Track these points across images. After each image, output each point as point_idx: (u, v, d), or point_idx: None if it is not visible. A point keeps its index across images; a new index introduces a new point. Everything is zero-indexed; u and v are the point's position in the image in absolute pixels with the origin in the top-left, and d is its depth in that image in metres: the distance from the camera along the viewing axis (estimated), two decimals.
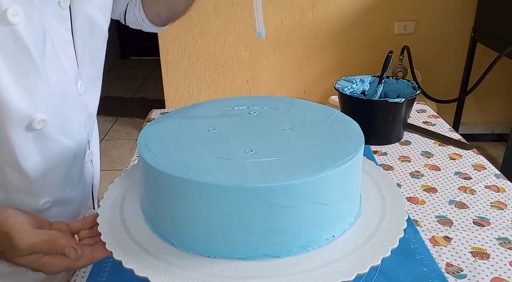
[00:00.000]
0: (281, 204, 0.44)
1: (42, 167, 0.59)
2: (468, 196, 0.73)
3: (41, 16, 0.53)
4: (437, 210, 0.70)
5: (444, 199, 0.73)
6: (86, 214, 0.73)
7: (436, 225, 0.66)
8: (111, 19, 0.74)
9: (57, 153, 0.60)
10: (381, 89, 0.95)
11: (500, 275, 0.56)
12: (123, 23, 0.81)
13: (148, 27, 0.80)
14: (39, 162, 0.58)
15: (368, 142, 0.84)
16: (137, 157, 0.77)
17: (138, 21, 0.78)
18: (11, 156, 0.55)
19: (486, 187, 0.76)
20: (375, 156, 0.88)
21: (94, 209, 0.75)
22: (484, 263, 0.58)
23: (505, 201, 0.72)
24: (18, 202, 0.59)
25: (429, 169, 0.82)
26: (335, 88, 0.93)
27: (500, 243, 0.62)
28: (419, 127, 0.98)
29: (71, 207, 0.68)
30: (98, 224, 0.52)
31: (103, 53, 0.69)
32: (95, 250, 0.50)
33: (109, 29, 0.71)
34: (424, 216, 0.68)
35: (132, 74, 4.04)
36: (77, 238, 0.52)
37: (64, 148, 0.61)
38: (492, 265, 0.58)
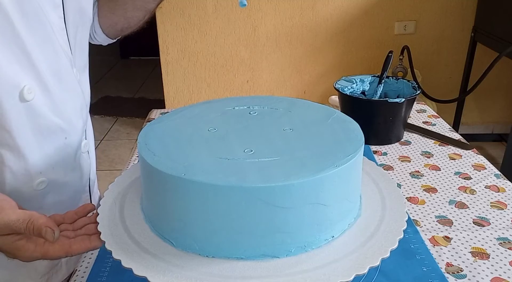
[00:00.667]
0: (280, 204, 0.44)
1: (34, 143, 0.60)
2: (468, 196, 0.73)
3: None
4: (437, 210, 0.70)
5: (444, 199, 0.73)
6: None
7: (436, 225, 0.66)
8: None
9: (48, 131, 0.61)
10: (381, 89, 0.95)
11: (500, 275, 0.56)
12: None
13: (98, 38, 0.81)
14: (31, 137, 0.59)
15: (368, 142, 0.84)
16: (137, 156, 0.77)
17: (90, 32, 0.79)
18: (6, 132, 0.56)
19: (486, 187, 0.76)
20: (375, 156, 0.88)
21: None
22: (484, 263, 0.58)
23: (505, 201, 0.71)
24: (15, 185, 0.60)
25: (429, 169, 0.82)
26: (335, 88, 0.93)
27: (500, 243, 0.62)
28: (419, 127, 0.98)
29: (66, 194, 0.68)
30: (79, 219, 0.52)
31: (88, 42, 0.71)
32: (73, 242, 0.49)
33: None
34: (424, 216, 0.68)
35: (132, 74, 4.04)
36: None
37: (55, 127, 0.62)
38: (492, 265, 0.58)
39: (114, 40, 0.83)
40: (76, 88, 0.65)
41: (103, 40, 0.81)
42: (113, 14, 0.77)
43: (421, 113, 1.08)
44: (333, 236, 0.49)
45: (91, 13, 0.69)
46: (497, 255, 0.60)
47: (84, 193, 0.74)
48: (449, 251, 0.60)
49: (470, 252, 0.60)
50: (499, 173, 0.80)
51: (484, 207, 0.70)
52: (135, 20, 0.77)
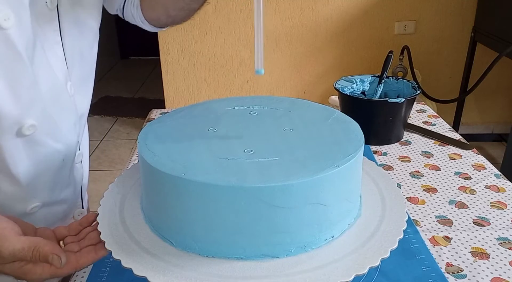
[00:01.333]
0: (280, 204, 0.44)
1: (32, 172, 0.58)
2: (468, 196, 0.73)
3: (31, 18, 0.52)
4: (437, 210, 0.69)
5: (444, 199, 0.73)
6: (76, 214, 0.73)
7: (436, 225, 0.66)
8: (112, 14, 0.73)
9: (46, 157, 0.60)
10: (381, 89, 0.95)
11: (500, 275, 0.56)
12: (122, 18, 0.79)
13: (147, 28, 0.79)
14: (29, 167, 0.58)
15: (368, 142, 0.84)
16: (137, 156, 0.77)
17: (136, 21, 0.77)
18: (1, 162, 0.55)
19: (486, 187, 0.76)
20: (375, 156, 0.88)
21: (83, 207, 0.75)
22: (484, 263, 0.58)
23: (505, 201, 0.71)
24: (7, 208, 0.58)
25: (429, 169, 0.82)
26: (335, 88, 0.93)
27: (500, 243, 0.62)
28: (419, 127, 0.98)
29: (60, 208, 0.67)
30: (83, 229, 0.52)
31: (94, 52, 0.68)
32: (79, 257, 0.49)
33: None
34: (424, 216, 0.68)
35: (132, 74, 4.04)
36: (62, 244, 0.51)
37: (53, 151, 0.60)
38: (492, 265, 0.58)
39: (165, 29, 0.80)
40: (69, 104, 0.62)
41: (151, 29, 0.78)
42: (153, 11, 0.74)
43: (421, 113, 1.08)
44: (333, 236, 0.49)
45: (94, 22, 0.66)
46: (497, 255, 0.60)
47: (77, 201, 0.73)
48: (449, 251, 0.60)
49: (470, 252, 0.60)
50: (499, 173, 0.80)
51: (484, 207, 0.70)
52: (178, 18, 0.74)
